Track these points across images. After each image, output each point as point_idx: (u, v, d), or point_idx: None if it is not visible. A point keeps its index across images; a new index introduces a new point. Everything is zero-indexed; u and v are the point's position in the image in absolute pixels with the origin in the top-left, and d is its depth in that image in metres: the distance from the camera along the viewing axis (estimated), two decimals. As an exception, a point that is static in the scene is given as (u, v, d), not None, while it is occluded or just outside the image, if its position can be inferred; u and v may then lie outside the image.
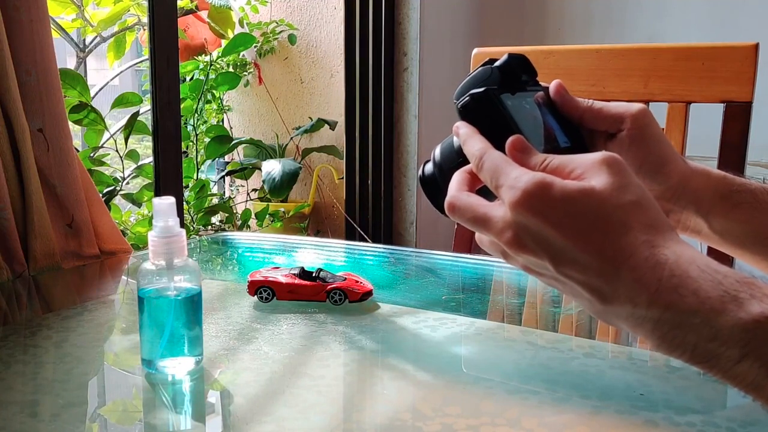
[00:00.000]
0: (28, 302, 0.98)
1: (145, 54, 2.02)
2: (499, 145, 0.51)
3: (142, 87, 2.68)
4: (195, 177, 2.25)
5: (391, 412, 0.59)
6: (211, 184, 2.36)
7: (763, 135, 1.61)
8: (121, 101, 1.91)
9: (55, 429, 0.56)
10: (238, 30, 2.41)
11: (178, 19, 1.76)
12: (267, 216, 2.29)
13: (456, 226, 1.21)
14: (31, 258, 1.03)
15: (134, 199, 1.97)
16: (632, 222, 0.47)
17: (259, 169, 2.40)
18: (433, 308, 0.86)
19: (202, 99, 2.33)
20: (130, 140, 1.92)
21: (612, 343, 0.80)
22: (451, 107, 0.57)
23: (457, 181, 0.54)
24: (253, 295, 0.84)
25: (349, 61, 2.43)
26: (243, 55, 2.53)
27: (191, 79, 2.35)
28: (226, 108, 2.56)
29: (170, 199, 0.62)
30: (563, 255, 0.48)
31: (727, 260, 0.59)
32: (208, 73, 2.31)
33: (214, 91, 2.40)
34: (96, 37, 2.09)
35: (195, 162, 2.27)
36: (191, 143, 2.28)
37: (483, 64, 0.57)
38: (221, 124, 2.52)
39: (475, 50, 1.26)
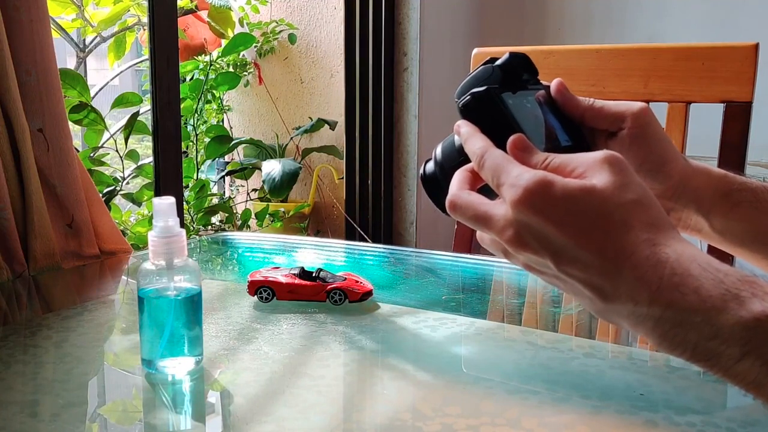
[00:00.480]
0: (28, 302, 0.98)
1: (145, 54, 2.02)
2: (500, 144, 0.52)
3: (142, 87, 2.68)
4: (195, 177, 2.25)
5: (391, 412, 0.59)
6: (211, 184, 2.36)
7: (763, 135, 1.61)
8: (121, 101, 1.91)
9: (55, 429, 0.56)
10: (238, 30, 2.41)
11: (178, 19, 1.76)
12: (267, 216, 2.29)
13: (456, 226, 1.21)
14: (31, 258, 1.03)
15: (134, 199, 1.97)
16: (633, 221, 0.47)
17: (259, 169, 2.40)
18: (433, 308, 0.86)
19: (202, 99, 2.33)
20: (130, 140, 1.92)
21: (612, 343, 0.80)
22: (452, 107, 0.57)
23: (458, 179, 0.54)
24: (253, 295, 0.84)
25: (349, 61, 2.43)
26: (243, 55, 2.53)
27: (191, 79, 2.35)
28: (226, 108, 2.56)
29: (170, 199, 0.62)
30: (564, 253, 0.48)
31: (728, 259, 0.59)
32: (208, 73, 2.31)
33: (214, 91, 2.40)
34: (96, 37, 2.09)
35: (195, 162, 2.27)
36: (191, 143, 2.28)
37: (484, 63, 0.57)
38: (221, 124, 2.52)
39: (475, 50, 1.26)
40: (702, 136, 1.33)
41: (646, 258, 0.46)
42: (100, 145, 1.92)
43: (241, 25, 2.46)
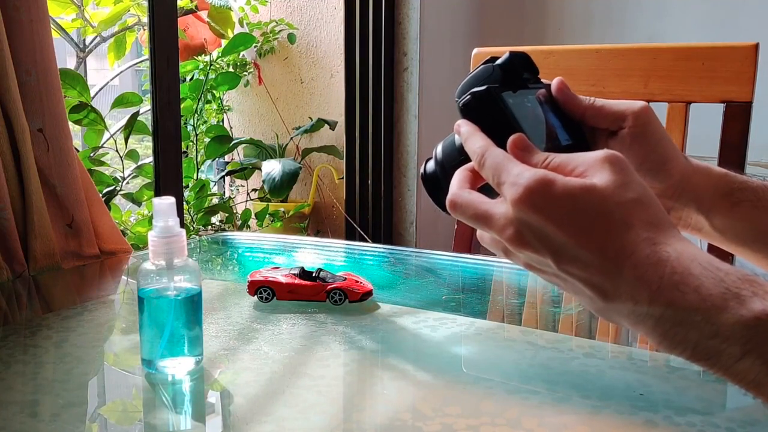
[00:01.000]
0: (28, 302, 0.98)
1: (145, 54, 2.02)
2: (500, 144, 0.52)
3: (142, 87, 2.68)
4: (195, 177, 2.25)
5: (391, 412, 0.59)
6: (211, 184, 2.36)
7: (763, 135, 1.61)
8: (121, 101, 1.91)
9: (55, 429, 0.56)
10: (238, 30, 2.41)
11: (178, 19, 1.76)
12: (267, 216, 2.29)
13: (456, 226, 1.21)
14: (31, 258, 1.03)
15: (134, 199, 1.97)
16: (634, 219, 0.47)
17: (259, 169, 2.40)
18: (433, 308, 0.86)
19: (202, 99, 2.33)
20: (130, 140, 1.92)
21: (612, 343, 0.80)
22: (452, 107, 0.57)
23: (458, 178, 0.54)
24: (253, 295, 0.84)
25: (349, 61, 2.43)
26: (243, 55, 2.53)
27: (191, 79, 2.35)
28: (226, 108, 2.56)
29: (170, 199, 0.62)
30: (565, 252, 0.48)
31: (728, 258, 0.59)
32: (208, 73, 2.31)
33: (214, 91, 2.40)
34: (96, 37, 2.09)
35: (195, 162, 2.27)
36: (191, 143, 2.28)
37: (484, 62, 0.57)
38: (221, 124, 2.52)
39: (475, 50, 1.26)
40: (702, 136, 1.33)
41: (646, 257, 0.46)
42: (100, 145, 1.92)
43: (241, 25, 2.46)
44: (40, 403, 0.61)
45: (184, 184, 1.99)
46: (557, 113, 0.57)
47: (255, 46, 2.51)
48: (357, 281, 0.84)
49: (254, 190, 2.46)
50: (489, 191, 0.52)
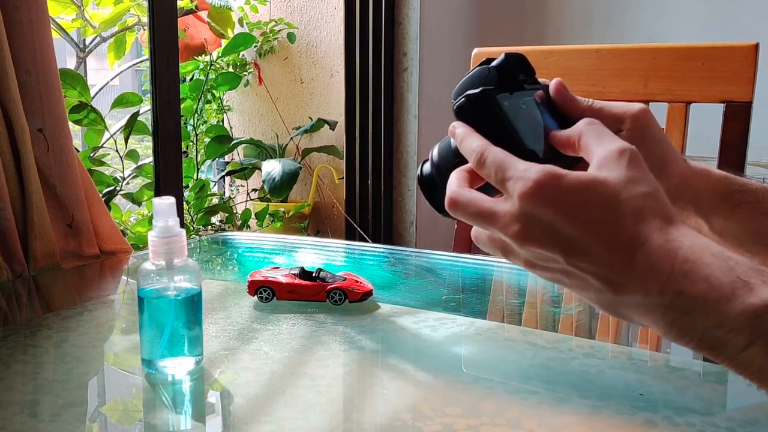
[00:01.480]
0: (28, 302, 0.98)
1: (145, 54, 2.02)
2: (496, 146, 0.51)
3: (142, 87, 2.68)
4: (195, 177, 2.25)
5: (391, 412, 0.59)
6: (211, 184, 2.36)
7: (763, 135, 1.61)
8: (121, 101, 1.91)
9: (55, 429, 0.56)
10: (238, 30, 2.41)
11: (178, 19, 1.76)
12: (267, 216, 2.29)
13: (456, 226, 1.21)
14: (31, 258, 1.03)
15: (134, 199, 1.97)
16: (645, 212, 0.47)
17: (259, 169, 2.40)
18: (433, 308, 0.86)
19: (202, 99, 2.33)
20: (130, 140, 1.92)
21: (612, 343, 0.80)
22: (451, 106, 0.56)
23: (456, 178, 0.53)
24: (253, 295, 0.84)
25: (349, 61, 2.43)
26: (243, 55, 2.53)
27: (191, 79, 2.35)
28: (226, 108, 2.56)
29: (170, 199, 0.62)
30: (575, 246, 0.47)
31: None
32: (208, 73, 2.31)
33: (214, 91, 2.40)
34: (96, 37, 2.09)
35: (195, 162, 2.27)
36: (191, 143, 2.28)
37: (480, 64, 0.57)
38: (221, 124, 2.52)
39: (475, 50, 1.26)
40: (702, 136, 1.33)
41: (659, 246, 0.46)
42: (100, 145, 1.92)
43: (241, 24, 2.46)
44: (40, 403, 0.61)
45: (184, 184, 2.00)
46: (554, 115, 0.57)
47: (255, 46, 2.51)
48: (357, 281, 0.84)
49: (254, 190, 2.46)
50: (487, 192, 0.52)
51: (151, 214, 0.80)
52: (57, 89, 1.07)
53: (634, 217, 0.47)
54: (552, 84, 0.59)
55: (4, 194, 1.00)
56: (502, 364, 0.70)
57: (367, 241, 2.43)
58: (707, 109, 1.13)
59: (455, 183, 0.53)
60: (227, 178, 2.63)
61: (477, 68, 0.56)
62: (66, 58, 2.22)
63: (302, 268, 0.85)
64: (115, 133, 1.96)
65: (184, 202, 2.08)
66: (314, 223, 2.56)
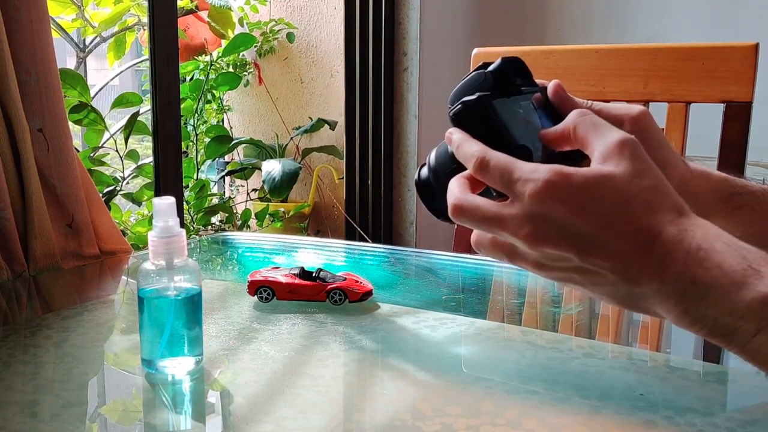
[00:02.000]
0: (28, 302, 0.98)
1: (145, 54, 2.02)
2: None
3: (142, 87, 2.68)
4: (195, 177, 2.25)
5: (391, 412, 0.59)
6: (211, 184, 2.36)
7: (763, 135, 1.61)
8: (121, 101, 1.91)
9: (55, 429, 0.56)
10: (238, 30, 2.41)
11: (178, 19, 1.76)
12: (267, 216, 2.29)
13: (456, 226, 1.21)
14: (31, 258, 1.03)
15: (134, 199, 1.97)
16: (656, 204, 0.48)
17: (259, 169, 2.40)
18: (433, 308, 0.86)
19: (202, 99, 2.33)
20: (130, 140, 1.92)
21: (612, 343, 0.80)
22: (448, 113, 0.56)
23: (458, 185, 0.53)
24: (253, 295, 0.84)
25: (349, 61, 2.43)
26: (243, 55, 2.53)
27: (191, 79, 2.35)
28: (226, 108, 2.56)
29: (170, 199, 0.62)
30: (590, 242, 0.47)
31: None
32: (208, 73, 2.31)
33: (214, 91, 2.40)
34: (96, 37, 2.09)
35: (195, 162, 2.27)
36: (191, 143, 2.28)
37: (477, 68, 0.56)
38: (221, 124, 2.52)
39: (475, 50, 1.26)
40: (702, 136, 1.33)
41: (673, 235, 0.47)
42: (100, 145, 1.92)
43: (241, 24, 2.46)
44: (40, 403, 0.61)
45: (184, 184, 2.00)
46: (553, 118, 0.57)
47: (255, 46, 2.51)
48: (357, 281, 0.84)
49: (254, 190, 2.46)
50: (487, 197, 0.52)
51: (151, 214, 0.80)
52: (57, 89, 1.07)
53: (645, 210, 0.47)
54: (550, 86, 0.59)
55: (4, 194, 1.00)
56: (502, 364, 0.70)
57: (367, 241, 2.43)
58: (707, 109, 1.13)
59: (457, 189, 0.53)
60: (227, 178, 2.63)
61: (473, 73, 0.56)
62: (66, 58, 2.23)
63: (302, 268, 0.85)
64: (115, 133, 1.96)
65: (184, 202, 2.08)
66: (314, 223, 2.56)
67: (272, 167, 2.31)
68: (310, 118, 2.52)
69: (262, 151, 2.52)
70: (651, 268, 0.47)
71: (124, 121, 1.93)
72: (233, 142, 2.38)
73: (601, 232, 0.47)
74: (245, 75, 2.57)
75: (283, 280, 0.83)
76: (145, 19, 2.05)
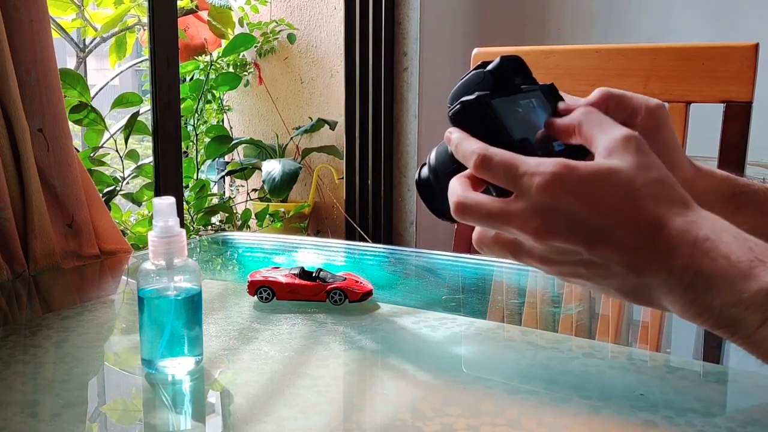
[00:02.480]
0: (28, 302, 0.98)
1: (145, 54, 2.02)
2: None
3: (142, 87, 2.68)
4: (195, 177, 2.25)
5: (391, 412, 0.59)
6: (211, 184, 2.36)
7: (763, 135, 1.61)
8: (121, 101, 1.91)
9: (55, 429, 0.56)
10: (238, 30, 2.41)
11: (178, 19, 1.76)
12: (267, 216, 2.29)
13: (456, 226, 1.21)
14: (31, 258, 1.03)
15: (134, 199, 1.97)
16: (661, 196, 0.48)
17: (259, 169, 2.40)
18: (433, 308, 0.86)
19: (203, 99, 2.33)
20: (130, 140, 1.92)
21: (612, 343, 0.80)
22: (447, 113, 0.56)
23: (459, 183, 0.53)
24: (253, 295, 0.84)
25: (349, 61, 2.43)
26: (243, 55, 2.53)
27: (191, 79, 2.35)
28: (226, 108, 2.56)
29: (170, 199, 0.62)
30: (598, 235, 0.48)
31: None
32: (208, 73, 2.31)
33: (214, 92, 2.40)
34: (96, 37, 2.09)
35: (195, 162, 2.27)
36: (191, 143, 2.28)
37: (477, 67, 0.56)
38: (221, 124, 2.52)
39: (475, 50, 1.26)
40: (702, 136, 1.33)
41: (680, 227, 0.47)
42: (100, 145, 1.92)
43: (241, 25, 2.46)
44: (40, 403, 0.61)
45: (184, 184, 2.00)
46: (553, 116, 0.57)
47: (255, 46, 2.51)
48: (357, 281, 0.84)
49: (254, 190, 2.46)
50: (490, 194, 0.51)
51: (151, 214, 0.80)
52: (57, 89, 1.07)
53: (652, 202, 0.47)
54: (561, 106, 0.58)
55: (4, 194, 1.00)
56: (502, 364, 0.70)
57: (367, 241, 2.43)
58: (707, 109, 1.13)
59: (459, 188, 0.52)
60: (227, 178, 2.63)
61: (472, 72, 0.56)
62: (66, 58, 2.22)
63: (302, 268, 0.85)
64: (115, 133, 1.96)
65: (184, 202, 2.08)
66: (314, 223, 2.56)
67: (272, 167, 2.31)
68: (310, 118, 2.52)
69: (262, 151, 2.52)
70: (658, 260, 0.47)
71: (124, 121, 1.93)
72: (233, 142, 2.38)
73: (609, 224, 0.47)
74: (245, 75, 2.57)
75: (283, 280, 0.83)
76: (145, 20, 2.05)
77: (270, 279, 0.84)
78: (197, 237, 1.94)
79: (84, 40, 2.10)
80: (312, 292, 0.83)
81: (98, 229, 1.13)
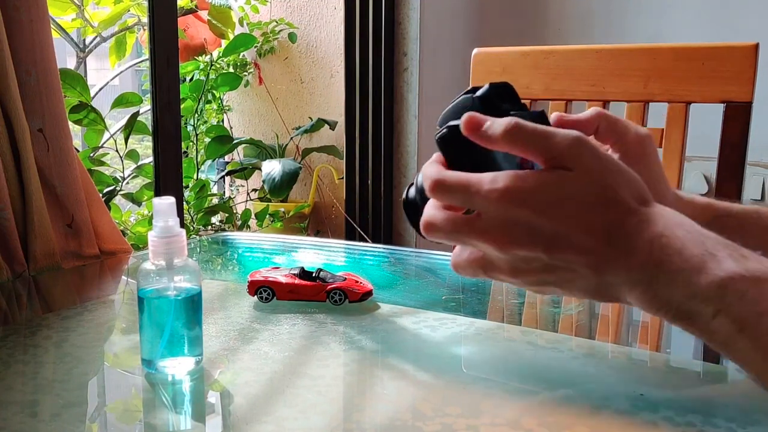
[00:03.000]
0: (28, 302, 0.98)
1: (145, 54, 2.02)
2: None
3: (142, 87, 2.68)
4: (195, 177, 2.25)
5: (391, 412, 0.59)
6: (211, 184, 2.36)
7: (763, 135, 1.61)
8: (121, 101, 1.91)
9: (55, 429, 0.56)
10: (238, 30, 2.41)
11: (178, 19, 1.76)
12: (267, 216, 2.29)
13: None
14: (31, 258, 1.03)
15: (134, 199, 1.97)
16: (617, 197, 0.50)
17: (259, 169, 2.40)
18: (433, 308, 0.86)
19: (203, 99, 2.33)
20: (130, 140, 1.92)
21: (612, 343, 0.80)
22: (434, 136, 0.57)
23: (431, 205, 0.56)
24: (253, 295, 0.84)
25: (349, 61, 2.43)
26: (243, 55, 2.53)
27: (191, 79, 2.35)
28: (226, 108, 2.56)
29: (170, 199, 0.62)
30: (556, 240, 0.50)
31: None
32: (208, 73, 2.31)
33: (215, 92, 2.40)
34: (96, 37, 2.09)
35: (195, 162, 2.27)
36: (191, 143, 2.28)
37: (466, 92, 0.59)
38: (221, 124, 2.52)
39: (475, 50, 1.26)
40: (702, 136, 1.33)
41: (634, 226, 0.49)
42: (100, 145, 1.93)
43: (241, 25, 2.46)
44: (40, 403, 0.61)
45: (184, 184, 2.00)
46: None
47: (255, 46, 2.51)
48: (357, 281, 0.84)
49: (254, 190, 2.46)
50: None
51: (151, 214, 0.80)
52: (57, 89, 1.07)
53: (604, 205, 0.50)
54: (553, 117, 0.60)
55: (4, 194, 1.00)
56: (502, 364, 0.70)
57: (367, 241, 2.43)
58: (707, 109, 1.13)
59: (430, 206, 0.56)
60: (227, 178, 2.63)
61: (462, 96, 0.58)
62: (66, 58, 2.22)
63: (302, 268, 0.85)
64: (115, 133, 1.96)
65: (184, 202, 2.08)
66: (314, 223, 2.56)
67: (272, 167, 2.31)
68: (310, 118, 2.52)
69: (262, 151, 2.52)
70: (617, 259, 0.49)
71: (124, 121, 1.93)
72: (233, 142, 2.38)
73: (565, 229, 0.49)
74: (245, 75, 2.57)
75: (283, 280, 0.83)
76: (145, 19, 2.05)
77: (270, 279, 0.84)
78: (197, 237, 1.94)
79: (84, 40, 2.10)
80: (312, 292, 0.83)
81: (98, 229, 1.13)
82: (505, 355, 0.71)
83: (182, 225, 1.25)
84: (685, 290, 0.47)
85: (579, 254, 0.50)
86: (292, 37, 2.50)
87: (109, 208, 1.72)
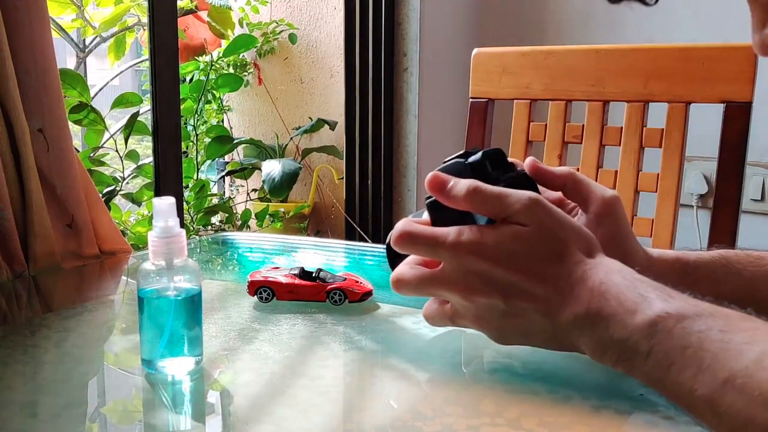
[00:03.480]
0: (28, 302, 0.98)
1: (145, 54, 2.02)
2: None
3: (142, 87, 2.68)
4: (195, 177, 2.24)
5: (391, 412, 0.59)
6: (211, 184, 2.35)
7: (763, 135, 1.61)
8: (121, 101, 1.91)
9: (55, 429, 0.56)
10: (238, 30, 2.41)
11: (178, 19, 1.76)
12: (267, 216, 2.29)
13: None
14: (31, 258, 1.03)
15: (134, 199, 1.97)
16: (565, 251, 0.56)
17: (259, 169, 2.40)
18: (433, 308, 0.85)
19: (203, 99, 2.33)
20: (130, 140, 1.92)
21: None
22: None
23: (404, 262, 0.63)
24: (253, 295, 0.84)
25: (349, 61, 2.43)
26: (243, 56, 2.53)
27: (191, 79, 2.35)
28: (226, 108, 2.56)
29: (170, 199, 0.62)
30: (512, 288, 0.56)
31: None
32: (208, 73, 2.31)
33: (215, 92, 2.40)
34: (96, 37, 2.09)
35: (195, 162, 2.27)
36: (191, 143, 2.28)
37: (458, 156, 0.63)
38: (221, 124, 2.52)
39: (475, 50, 1.26)
40: (702, 136, 1.33)
41: (579, 276, 0.54)
42: (100, 145, 1.92)
43: (241, 25, 2.46)
44: (40, 403, 0.61)
45: (184, 184, 1.99)
46: None
47: (255, 47, 2.51)
48: (357, 281, 0.84)
49: (254, 190, 2.46)
50: None
51: (151, 214, 0.80)
52: (57, 89, 1.07)
53: (559, 255, 0.56)
54: (527, 164, 0.66)
55: (4, 194, 1.00)
56: (502, 364, 0.70)
57: (367, 241, 2.43)
58: (707, 109, 1.13)
59: (401, 265, 0.63)
60: (227, 178, 2.63)
61: (454, 161, 0.63)
62: (66, 58, 2.22)
63: (302, 269, 0.85)
64: (115, 133, 1.96)
65: (184, 202, 2.08)
66: (314, 223, 2.56)
67: (272, 167, 2.31)
68: (310, 118, 2.52)
69: (262, 151, 2.52)
70: (565, 305, 0.54)
71: (124, 121, 1.93)
72: (233, 142, 2.37)
73: (520, 279, 0.56)
74: (245, 75, 2.57)
75: (283, 280, 0.83)
76: (145, 19, 2.05)
77: (270, 279, 0.84)
78: (197, 237, 1.94)
79: (84, 40, 2.10)
80: (312, 293, 0.83)
81: (98, 229, 1.13)
82: (504, 355, 0.71)
83: (182, 225, 1.25)
84: (621, 332, 0.50)
85: (532, 301, 0.55)
86: (292, 38, 2.50)
87: (109, 208, 1.72)
